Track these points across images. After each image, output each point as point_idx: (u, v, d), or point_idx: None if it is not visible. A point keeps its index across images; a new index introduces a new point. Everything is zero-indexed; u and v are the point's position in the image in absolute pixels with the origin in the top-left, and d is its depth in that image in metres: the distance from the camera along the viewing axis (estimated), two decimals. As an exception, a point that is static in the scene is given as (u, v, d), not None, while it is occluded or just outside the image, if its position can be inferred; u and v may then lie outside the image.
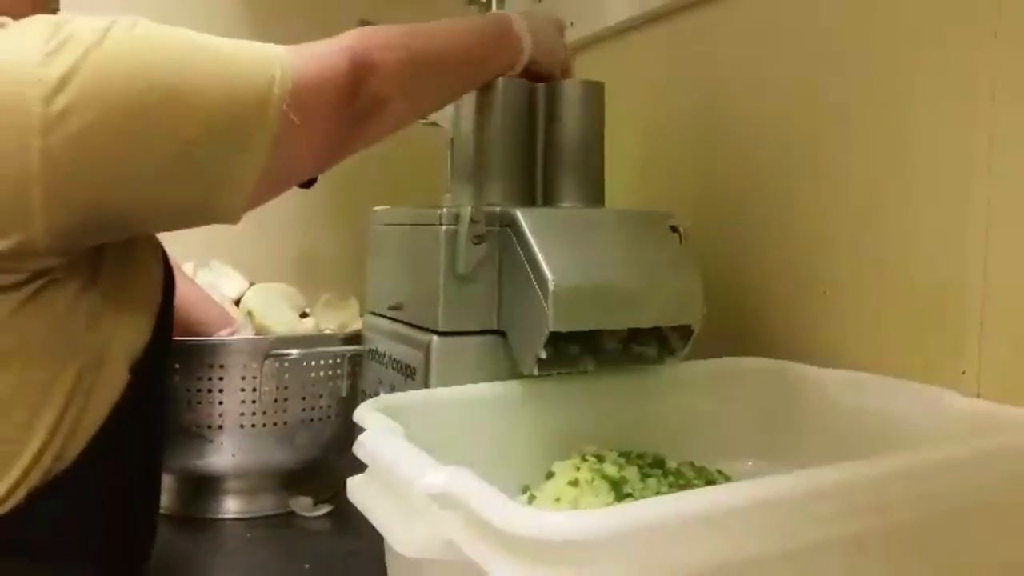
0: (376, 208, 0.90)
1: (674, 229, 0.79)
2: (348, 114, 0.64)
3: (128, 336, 0.65)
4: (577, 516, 0.41)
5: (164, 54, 0.56)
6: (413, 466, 0.48)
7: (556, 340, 0.71)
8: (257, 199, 0.61)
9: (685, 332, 0.77)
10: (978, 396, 0.70)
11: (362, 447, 0.55)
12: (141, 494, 0.72)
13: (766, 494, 0.44)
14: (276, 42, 0.61)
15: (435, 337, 0.74)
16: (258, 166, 0.59)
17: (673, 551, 0.41)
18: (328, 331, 1.02)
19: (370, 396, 0.68)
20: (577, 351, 0.75)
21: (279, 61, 0.59)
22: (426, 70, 0.70)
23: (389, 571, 0.58)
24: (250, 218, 0.62)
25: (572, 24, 1.24)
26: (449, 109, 0.86)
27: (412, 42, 0.68)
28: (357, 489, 0.53)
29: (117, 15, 0.56)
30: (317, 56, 0.62)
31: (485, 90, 0.82)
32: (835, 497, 0.46)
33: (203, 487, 0.95)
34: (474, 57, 0.76)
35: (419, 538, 0.45)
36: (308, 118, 0.60)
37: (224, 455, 0.90)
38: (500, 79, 0.84)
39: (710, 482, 0.72)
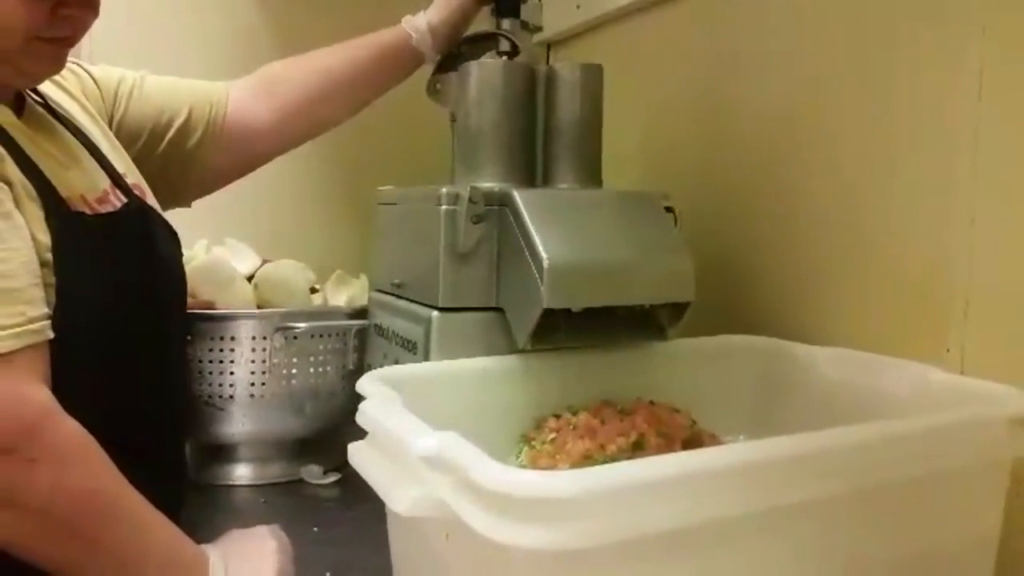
0: (380, 188, 0.92)
1: (668, 209, 0.81)
2: None
3: None
4: (555, 475, 0.43)
5: None
6: (408, 431, 0.51)
7: (551, 316, 0.73)
8: None
9: (678, 310, 0.80)
10: (962, 373, 0.72)
11: (363, 415, 0.58)
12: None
13: (733, 459, 0.47)
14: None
15: (435, 313, 0.77)
16: None
17: (645, 509, 0.44)
18: (336, 306, 1.05)
19: (376, 369, 0.70)
20: (572, 327, 0.77)
21: None
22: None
23: (389, 530, 0.62)
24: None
25: (579, 7, 1.26)
26: (454, 90, 0.88)
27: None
28: (357, 453, 0.56)
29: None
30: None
31: (486, 74, 0.84)
32: (800, 463, 0.49)
33: (216, 455, 0.98)
34: None
35: (413, 497, 0.48)
36: None
37: (236, 424, 0.93)
38: (502, 62, 0.86)
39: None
